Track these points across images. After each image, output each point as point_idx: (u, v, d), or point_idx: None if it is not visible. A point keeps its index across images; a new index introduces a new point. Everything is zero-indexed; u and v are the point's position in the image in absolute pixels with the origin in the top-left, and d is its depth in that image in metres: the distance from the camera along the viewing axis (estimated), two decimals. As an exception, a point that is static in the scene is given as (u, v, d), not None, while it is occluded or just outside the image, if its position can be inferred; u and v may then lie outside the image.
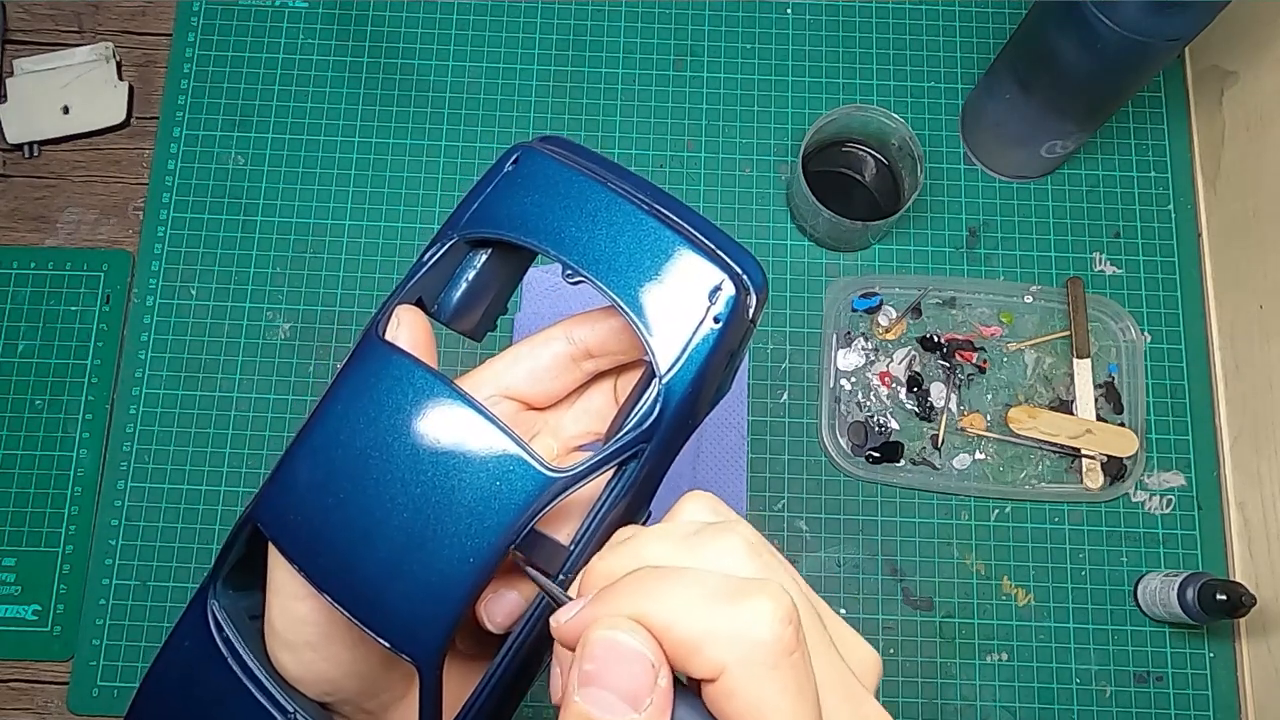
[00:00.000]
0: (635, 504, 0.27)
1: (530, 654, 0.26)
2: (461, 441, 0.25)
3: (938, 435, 0.68)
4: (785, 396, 0.69)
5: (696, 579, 0.20)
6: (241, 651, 0.28)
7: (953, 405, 0.68)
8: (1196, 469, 0.68)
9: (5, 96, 0.72)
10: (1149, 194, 0.73)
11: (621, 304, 0.26)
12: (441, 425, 0.26)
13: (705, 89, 0.74)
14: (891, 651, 0.65)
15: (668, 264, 0.26)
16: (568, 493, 0.25)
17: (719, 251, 0.27)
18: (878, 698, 0.23)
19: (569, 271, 0.27)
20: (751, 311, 0.27)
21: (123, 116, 0.72)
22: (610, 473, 0.26)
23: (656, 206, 0.28)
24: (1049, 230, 0.72)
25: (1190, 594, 0.61)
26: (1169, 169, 0.73)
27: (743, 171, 0.73)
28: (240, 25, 0.74)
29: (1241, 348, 0.68)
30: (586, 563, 0.24)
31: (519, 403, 0.31)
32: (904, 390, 0.68)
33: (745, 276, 0.27)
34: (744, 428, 0.68)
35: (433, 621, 0.24)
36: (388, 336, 0.28)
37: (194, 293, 0.70)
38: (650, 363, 0.26)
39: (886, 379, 0.68)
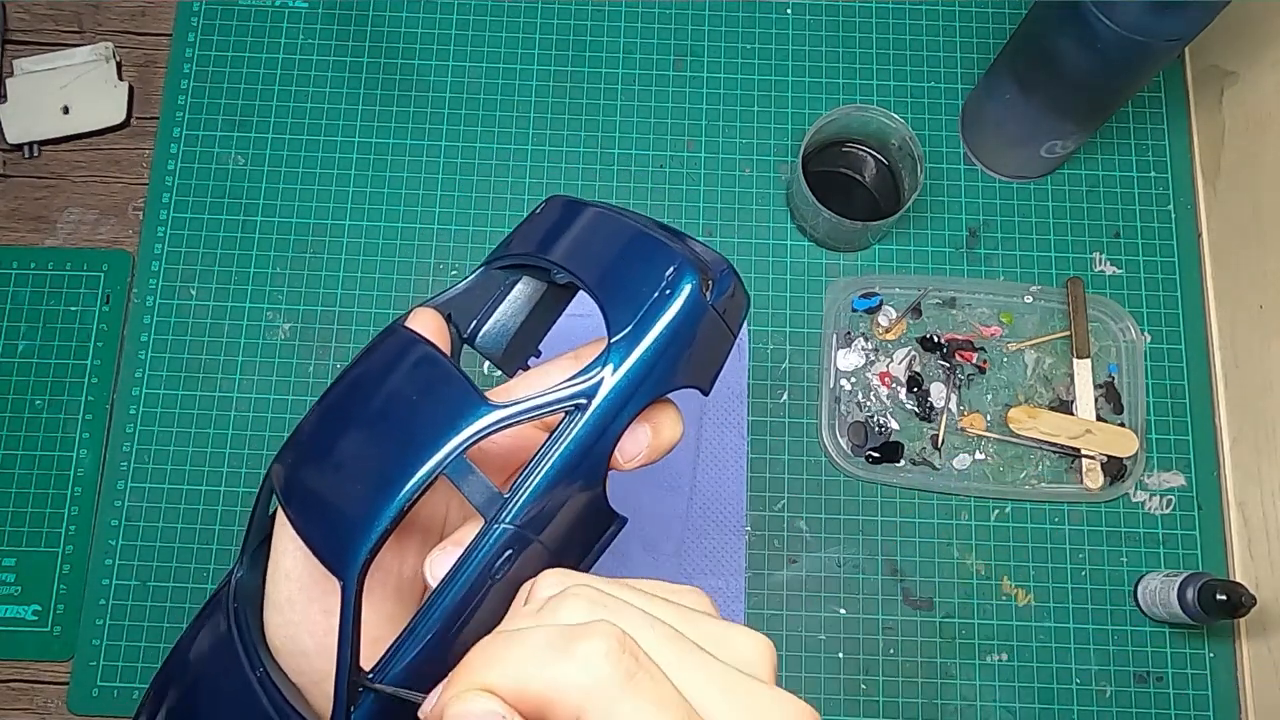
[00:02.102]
0: (582, 468, 0.27)
1: (470, 610, 0.27)
2: (420, 380, 0.28)
3: (938, 435, 0.68)
4: (785, 396, 0.69)
5: (528, 638, 0.22)
6: (237, 615, 0.29)
7: (953, 405, 0.68)
8: (1196, 469, 0.68)
9: (5, 96, 0.72)
10: (1149, 194, 0.73)
11: (580, 280, 0.29)
12: (409, 369, 0.28)
13: (705, 89, 0.74)
14: (891, 651, 0.65)
15: (631, 253, 0.29)
16: (502, 427, 0.26)
17: (683, 245, 0.29)
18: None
19: (556, 271, 0.30)
20: (712, 296, 0.28)
21: (123, 116, 0.72)
22: (554, 426, 0.28)
23: (634, 219, 0.30)
24: (1049, 230, 0.72)
25: (1190, 594, 0.61)
26: (1169, 169, 0.73)
27: (743, 171, 0.73)
28: (240, 25, 0.74)
29: (1241, 348, 0.68)
30: (520, 507, 0.26)
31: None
32: (904, 390, 0.68)
33: (706, 264, 0.29)
34: (744, 428, 0.68)
35: (357, 535, 0.26)
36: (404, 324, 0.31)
37: (194, 293, 0.70)
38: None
39: (886, 379, 0.68)
